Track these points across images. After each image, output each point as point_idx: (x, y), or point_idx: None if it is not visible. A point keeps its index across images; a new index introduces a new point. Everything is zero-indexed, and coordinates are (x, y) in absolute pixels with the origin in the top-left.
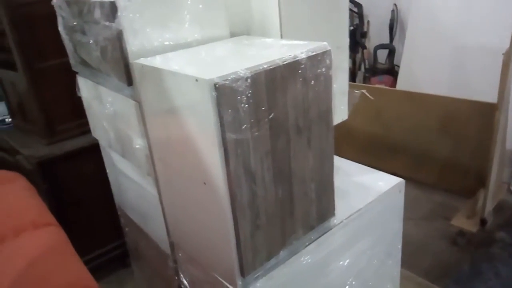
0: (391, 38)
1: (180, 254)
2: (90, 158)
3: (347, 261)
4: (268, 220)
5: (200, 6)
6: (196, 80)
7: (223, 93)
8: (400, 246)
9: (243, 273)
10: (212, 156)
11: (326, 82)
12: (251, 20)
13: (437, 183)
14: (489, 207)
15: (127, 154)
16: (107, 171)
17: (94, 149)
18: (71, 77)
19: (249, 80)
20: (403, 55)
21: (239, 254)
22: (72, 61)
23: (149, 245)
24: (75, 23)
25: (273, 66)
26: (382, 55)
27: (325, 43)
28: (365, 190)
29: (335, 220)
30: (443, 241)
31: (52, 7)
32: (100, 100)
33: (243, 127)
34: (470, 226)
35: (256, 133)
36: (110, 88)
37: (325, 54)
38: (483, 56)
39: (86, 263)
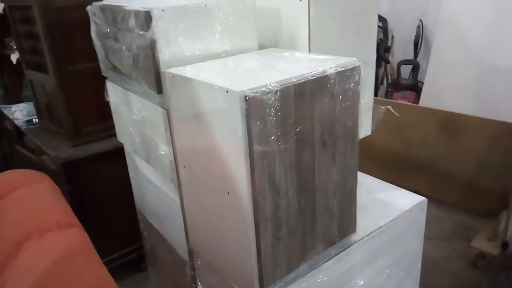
0: (416, 54)
1: (199, 262)
2: (113, 162)
3: (366, 278)
4: (289, 232)
5: (231, 18)
6: (227, 91)
7: (253, 105)
8: (419, 266)
9: (262, 285)
10: (238, 166)
11: (354, 97)
12: (280, 33)
13: (458, 203)
14: (511, 229)
15: (151, 160)
16: (130, 175)
17: (117, 153)
18: (99, 81)
19: (278, 93)
20: (427, 72)
21: (259, 266)
22: (102, 66)
23: (167, 250)
24: (108, 29)
25: (302, 80)
26: (406, 70)
27: (354, 58)
28: (387, 207)
29: (356, 237)
30: (462, 263)
31: (86, 13)
32: (128, 106)
33: (270, 140)
34: (491, 248)
35: (282, 146)
36: (139, 94)
37: (354, 69)
38: (509, 76)
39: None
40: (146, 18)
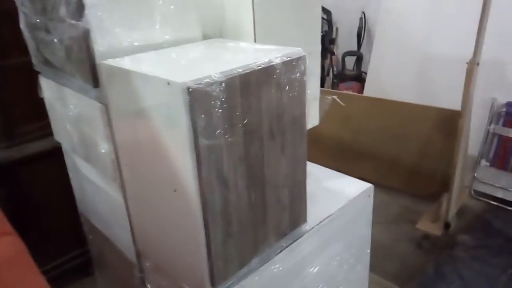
0: (359, 45)
1: (147, 264)
2: (51, 162)
3: (318, 267)
4: (240, 228)
5: (172, 6)
6: (168, 83)
7: (196, 98)
8: (368, 251)
9: (213, 283)
10: (184, 162)
11: (300, 87)
12: (224, 23)
13: (403, 188)
14: (453, 211)
15: (92, 159)
16: (70, 176)
17: (56, 153)
18: (33, 76)
19: (223, 85)
20: (370, 62)
21: (210, 264)
22: (34, 60)
23: (114, 253)
24: (38, 20)
25: (248, 71)
26: (350, 61)
27: (299, 48)
28: (335, 196)
29: (306, 226)
30: (409, 245)
31: (14, 2)
32: (63, 102)
33: (217, 133)
34: (434, 229)
35: (230, 139)
36: (75, 89)
37: (300, 59)
38: (448, 64)
39: (48, 271)
40: (78, 6)
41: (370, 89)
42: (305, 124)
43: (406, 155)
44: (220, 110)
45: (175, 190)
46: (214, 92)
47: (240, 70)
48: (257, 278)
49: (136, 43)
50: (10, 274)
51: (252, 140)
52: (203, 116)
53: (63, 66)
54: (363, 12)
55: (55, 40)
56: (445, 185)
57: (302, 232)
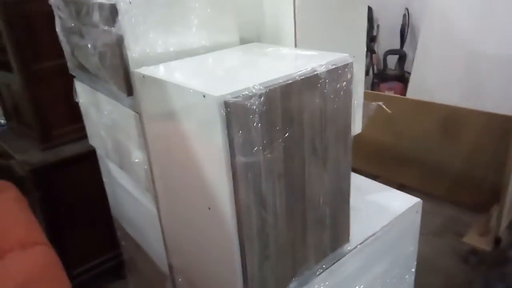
0: (402, 43)
1: (179, 279)
2: (86, 165)
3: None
4: (278, 250)
5: (209, 10)
6: (204, 95)
7: (234, 112)
8: (414, 270)
9: None
10: (219, 180)
11: (346, 97)
12: (263, 26)
13: (448, 196)
14: (504, 224)
15: (125, 166)
16: (104, 181)
17: (91, 156)
18: (69, 80)
19: (262, 97)
20: (414, 62)
21: (245, 286)
22: (69, 64)
23: (147, 262)
24: (72, 24)
25: (290, 81)
26: (392, 61)
27: (346, 54)
28: (380, 211)
29: (349, 247)
30: (454, 259)
31: (51, 6)
32: (98, 108)
33: (255, 149)
34: (483, 244)
35: (269, 155)
36: (109, 96)
37: (346, 67)
38: (499, 65)
39: (82, 273)
40: (111, 12)
41: (414, 90)
42: (350, 137)
43: (452, 162)
44: (259, 125)
45: (209, 208)
46: (253, 106)
47: (281, 81)
48: None
49: (171, 49)
50: (40, 286)
51: (292, 156)
52: (240, 131)
53: (97, 71)
54: (407, 9)
55: (89, 45)
56: (495, 195)
57: (344, 253)
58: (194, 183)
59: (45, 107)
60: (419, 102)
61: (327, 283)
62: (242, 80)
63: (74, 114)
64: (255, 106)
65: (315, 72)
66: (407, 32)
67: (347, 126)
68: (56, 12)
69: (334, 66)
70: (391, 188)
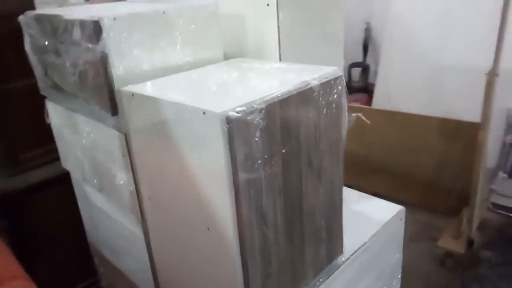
0: (365, 56)
1: None
2: (57, 190)
3: None
4: (279, 266)
5: (193, 26)
6: (204, 112)
7: (236, 128)
8: (400, 276)
9: None
10: (220, 198)
11: (338, 110)
12: (245, 41)
13: (420, 203)
14: (474, 226)
15: (106, 190)
16: (79, 205)
17: (62, 180)
18: (37, 100)
19: (263, 112)
20: (378, 73)
21: None
22: (40, 84)
23: (129, 287)
24: (46, 42)
25: (287, 95)
26: (355, 73)
27: (335, 67)
28: (367, 221)
29: (343, 258)
30: (431, 263)
31: (18, 23)
32: (74, 129)
33: (256, 165)
34: (457, 247)
35: (269, 171)
36: (89, 116)
37: (337, 79)
38: (458, 74)
39: None
40: (95, 29)
41: (379, 101)
42: (342, 148)
43: (422, 169)
44: (260, 140)
45: (208, 228)
46: (254, 121)
47: (279, 95)
48: None
49: (156, 66)
50: None
51: (290, 170)
52: (242, 147)
53: (76, 91)
54: (368, 23)
55: (67, 64)
56: (464, 199)
57: (338, 265)
58: (191, 203)
59: (11, 130)
60: (389, 112)
61: None
62: (238, 95)
63: (42, 137)
64: (256, 121)
65: (309, 86)
66: (369, 45)
67: (340, 138)
68: (26, 30)
69: (326, 79)
70: (373, 197)
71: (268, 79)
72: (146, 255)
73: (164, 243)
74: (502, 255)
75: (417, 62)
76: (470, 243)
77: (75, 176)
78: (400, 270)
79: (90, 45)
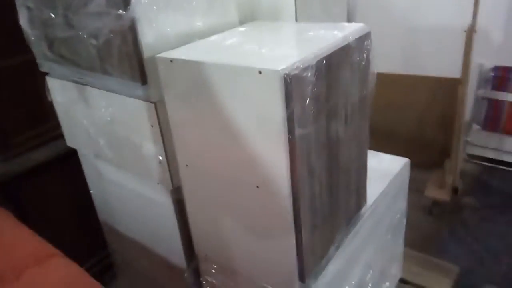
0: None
1: (214, 266)
2: (58, 172)
3: (374, 245)
4: (323, 217)
5: None
6: (260, 72)
7: (293, 85)
8: (404, 222)
9: (303, 278)
10: (275, 154)
11: (367, 65)
12: (258, 4)
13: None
14: (457, 175)
15: (128, 163)
16: (89, 184)
17: (62, 161)
18: (29, 79)
19: (314, 68)
20: None
21: (300, 258)
22: (40, 60)
23: (152, 260)
24: (52, 15)
25: (331, 51)
26: None
27: (362, 24)
28: (380, 173)
29: (366, 207)
30: (420, 212)
31: None
32: (86, 104)
33: (308, 121)
34: (443, 195)
35: (317, 126)
36: (107, 89)
37: (368, 36)
38: (434, 34)
39: None
40: None
41: None
42: (369, 104)
43: (404, 125)
44: (311, 96)
45: (257, 187)
46: (308, 77)
47: (325, 51)
48: (332, 267)
49: (182, 32)
50: None
51: (331, 126)
52: (298, 103)
53: (93, 64)
54: None
55: (85, 36)
56: (445, 152)
57: (362, 214)
58: (239, 164)
59: (0, 113)
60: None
61: (352, 244)
62: (286, 54)
63: (35, 116)
64: (309, 77)
65: (347, 42)
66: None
67: (368, 94)
68: (22, 4)
69: (360, 35)
70: (378, 152)
71: (304, 38)
72: (176, 224)
73: (203, 209)
74: (481, 200)
75: (393, 24)
76: (455, 191)
77: (85, 154)
78: (405, 217)
79: (119, 12)
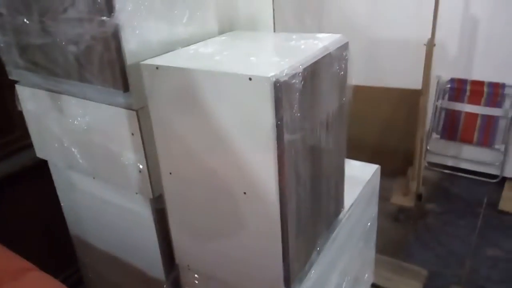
0: None
1: (196, 276)
2: (23, 184)
3: (349, 252)
4: (306, 222)
5: None
6: (250, 78)
7: (283, 91)
8: (376, 228)
9: (288, 284)
10: (264, 161)
11: (345, 74)
12: (235, 15)
13: None
14: (420, 182)
15: (105, 173)
16: (60, 196)
17: (28, 173)
18: None
19: (300, 75)
20: None
21: (286, 264)
22: (10, 68)
23: (127, 273)
24: (26, 21)
25: (315, 60)
26: None
27: (339, 35)
28: (353, 180)
29: (343, 213)
30: (387, 219)
31: None
32: (61, 113)
33: (296, 126)
34: (408, 202)
35: (303, 132)
36: (85, 97)
37: (346, 46)
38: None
39: None
40: (106, 1)
41: None
42: (346, 111)
43: (369, 135)
44: (298, 103)
45: (244, 193)
46: (296, 84)
47: (309, 60)
48: (314, 272)
49: (164, 40)
50: None
51: (315, 131)
52: (287, 110)
53: (70, 71)
54: None
55: (63, 43)
56: (408, 160)
57: (340, 219)
58: (225, 172)
59: None
60: None
61: (331, 249)
62: (273, 61)
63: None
64: (296, 85)
65: (329, 51)
66: None
67: (346, 101)
68: None
69: (339, 45)
70: (349, 159)
71: (287, 47)
72: (155, 234)
73: (186, 218)
74: (442, 205)
75: (356, 36)
76: (419, 197)
77: (56, 165)
78: (376, 223)
79: (102, 18)
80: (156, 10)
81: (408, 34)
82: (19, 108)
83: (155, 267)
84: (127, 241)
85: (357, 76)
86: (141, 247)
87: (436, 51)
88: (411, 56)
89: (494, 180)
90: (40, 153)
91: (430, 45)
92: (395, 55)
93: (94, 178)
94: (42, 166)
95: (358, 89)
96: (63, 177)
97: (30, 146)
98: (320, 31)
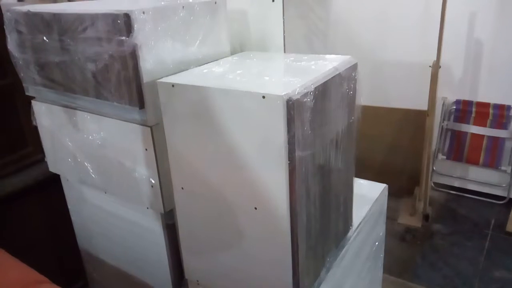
0: None
1: None
2: (35, 199)
3: (358, 270)
4: (316, 239)
5: (208, 18)
6: (263, 96)
7: (295, 109)
8: (383, 247)
9: None
10: (275, 177)
11: (354, 94)
12: (247, 36)
13: None
14: (427, 202)
15: (117, 188)
16: (71, 210)
17: (40, 188)
18: (8, 104)
19: (312, 94)
20: None
21: (295, 281)
22: (27, 84)
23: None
24: (45, 39)
25: (325, 80)
26: None
27: (349, 56)
28: (362, 198)
29: (351, 230)
30: (394, 239)
31: None
32: (75, 128)
33: (307, 143)
34: (415, 222)
35: (314, 149)
36: (101, 113)
37: (355, 66)
38: (396, 69)
39: None
40: (125, 22)
41: None
42: (356, 130)
43: (375, 155)
44: (310, 121)
45: (255, 208)
46: (307, 103)
47: (320, 79)
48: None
49: (178, 59)
50: None
51: (325, 149)
52: (299, 127)
53: (87, 88)
54: None
55: (81, 60)
56: (414, 180)
57: (348, 237)
58: (237, 186)
59: None
60: None
61: (340, 266)
62: (286, 81)
63: (14, 143)
64: (308, 103)
65: (338, 72)
66: None
67: (354, 120)
68: (12, 27)
69: (348, 66)
70: (357, 178)
71: (298, 67)
72: (165, 248)
73: (197, 232)
74: (449, 226)
75: (362, 58)
76: (426, 218)
77: (69, 180)
78: (384, 243)
79: (121, 38)
80: (172, 31)
81: (414, 56)
82: (34, 123)
83: (164, 282)
84: (137, 256)
85: (364, 96)
86: (150, 262)
87: (441, 73)
88: (416, 77)
89: (501, 202)
90: (53, 168)
91: (436, 67)
92: (401, 76)
93: (105, 192)
94: (53, 181)
95: (364, 109)
96: (74, 192)
97: (42, 161)
98: (328, 53)
